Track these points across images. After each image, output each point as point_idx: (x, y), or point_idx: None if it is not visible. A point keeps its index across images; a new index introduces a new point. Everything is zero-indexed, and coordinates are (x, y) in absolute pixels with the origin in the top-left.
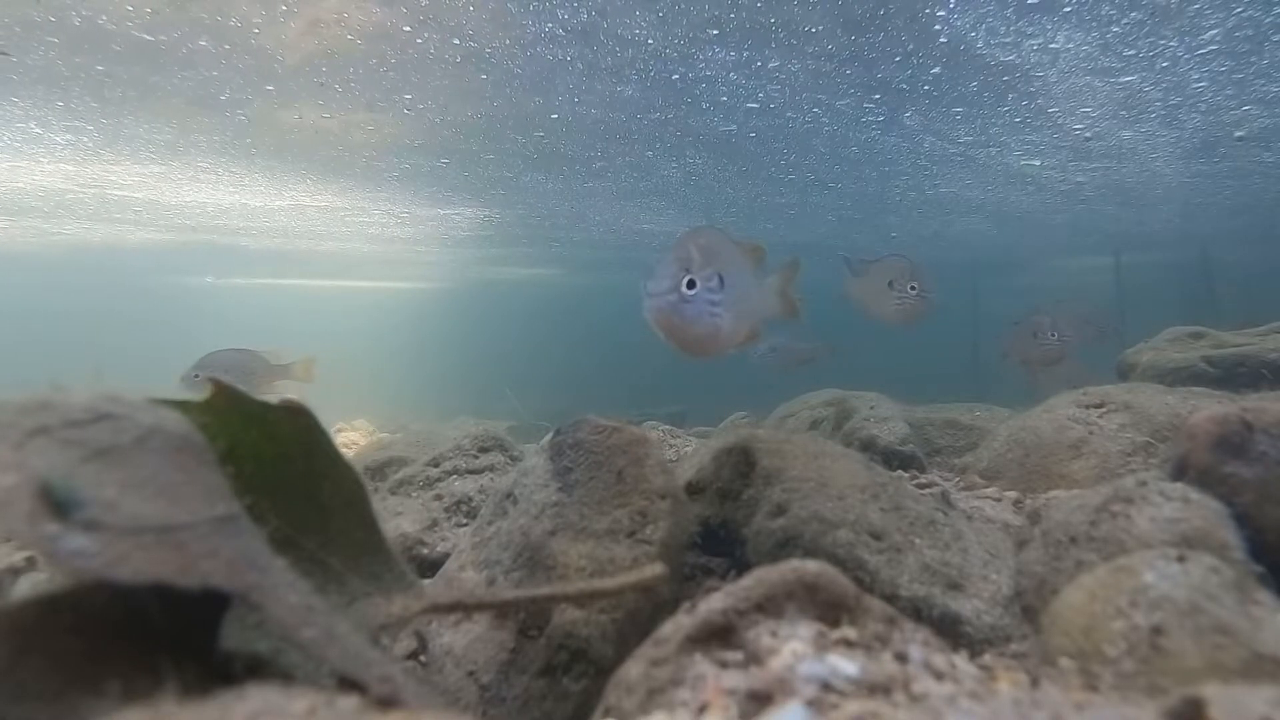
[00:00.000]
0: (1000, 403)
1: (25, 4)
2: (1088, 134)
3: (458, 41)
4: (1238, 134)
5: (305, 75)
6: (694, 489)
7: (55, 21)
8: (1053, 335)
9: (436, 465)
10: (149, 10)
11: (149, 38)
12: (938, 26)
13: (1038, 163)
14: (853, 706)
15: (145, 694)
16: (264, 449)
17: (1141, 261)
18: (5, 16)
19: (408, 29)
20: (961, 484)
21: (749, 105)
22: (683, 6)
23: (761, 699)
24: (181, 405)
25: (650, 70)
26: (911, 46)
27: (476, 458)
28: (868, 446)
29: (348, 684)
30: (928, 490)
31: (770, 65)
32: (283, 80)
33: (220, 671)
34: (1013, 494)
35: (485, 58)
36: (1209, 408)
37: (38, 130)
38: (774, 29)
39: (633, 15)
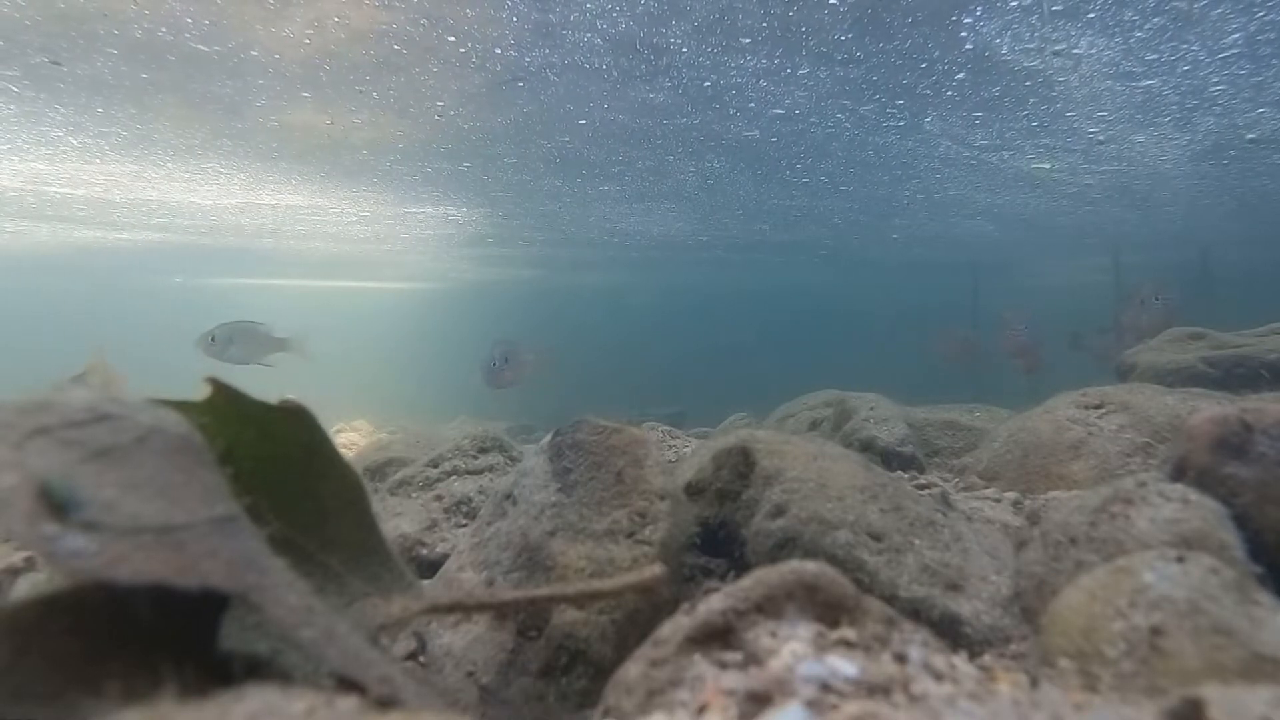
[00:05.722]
0: (999, 403)
1: (94, 19)
2: (1101, 137)
3: (499, 51)
4: (1249, 136)
5: (347, 82)
6: (693, 490)
7: (118, 34)
8: (1022, 328)
9: (436, 466)
10: (207, 22)
11: (204, 48)
12: (964, 34)
13: (1048, 165)
14: (852, 707)
15: (144, 694)
16: (263, 449)
17: (1141, 262)
18: (72, 30)
19: (451, 39)
20: (961, 485)
21: (775, 111)
22: (717, 16)
23: (761, 699)
24: (181, 406)
25: (682, 78)
26: (937, 53)
27: (476, 458)
28: (867, 447)
29: (347, 684)
30: (927, 491)
31: (800, 72)
32: (322, 87)
33: (219, 672)
34: (1012, 495)
35: (524, 66)
36: (1208, 409)
37: (59, 134)
38: (805, 37)
39: (669, 25)
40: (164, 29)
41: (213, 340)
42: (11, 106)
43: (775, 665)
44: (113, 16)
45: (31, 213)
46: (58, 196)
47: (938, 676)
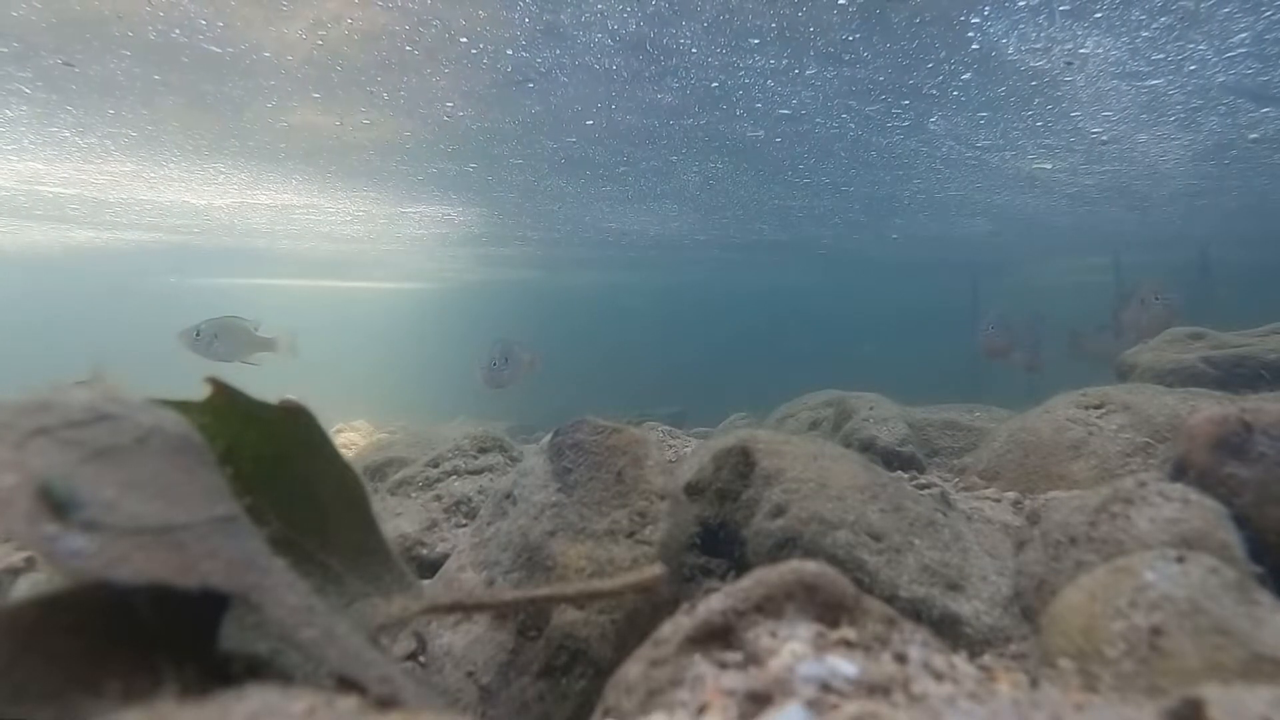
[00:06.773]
0: (999, 403)
1: (109, 21)
2: (1105, 137)
3: (509, 52)
4: (1252, 136)
5: (358, 83)
6: (693, 490)
7: (132, 36)
8: (990, 328)
9: (436, 466)
10: (221, 24)
11: (216, 49)
12: (971, 34)
13: (1049, 166)
14: (852, 707)
15: (144, 694)
16: (263, 449)
17: (1141, 262)
18: (87, 33)
19: (464, 40)
20: (961, 485)
21: (781, 111)
22: (726, 17)
23: (761, 699)
24: (181, 406)
25: (691, 78)
26: (944, 53)
27: (476, 458)
28: (867, 447)
29: (347, 684)
30: (927, 491)
31: (807, 72)
32: (332, 88)
33: (219, 672)
34: (1012, 495)
35: (534, 67)
36: (1208, 409)
37: (66, 134)
38: (812, 37)
39: (679, 25)
40: (177, 30)
41: (198, 335)
42: (24, 107)
43: (775, 665)
44: (127, 19)
45: (23, 212)
46: (50, 195)
47: (938, 676)
